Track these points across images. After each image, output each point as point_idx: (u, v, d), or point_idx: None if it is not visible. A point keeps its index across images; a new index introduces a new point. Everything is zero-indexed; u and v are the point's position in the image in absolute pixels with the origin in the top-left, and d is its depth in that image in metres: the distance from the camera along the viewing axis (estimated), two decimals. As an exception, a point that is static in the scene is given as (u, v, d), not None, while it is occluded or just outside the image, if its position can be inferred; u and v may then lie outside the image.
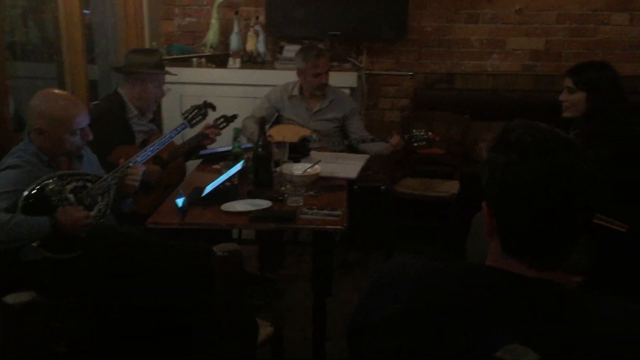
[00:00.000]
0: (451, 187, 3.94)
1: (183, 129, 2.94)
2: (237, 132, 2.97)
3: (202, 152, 3.23)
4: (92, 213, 2.36)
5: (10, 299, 1.01)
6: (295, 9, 4.17)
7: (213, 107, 3.12)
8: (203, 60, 4.25)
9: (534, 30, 4.37)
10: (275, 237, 3.56)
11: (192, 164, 3.37)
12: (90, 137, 2.47)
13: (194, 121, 3.01)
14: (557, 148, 1.09)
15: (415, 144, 3.50)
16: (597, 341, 0.99)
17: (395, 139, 3.44)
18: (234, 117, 3.27)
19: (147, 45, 4.35)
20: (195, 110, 3.03)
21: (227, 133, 3.35)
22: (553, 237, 1.08)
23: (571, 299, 1.06)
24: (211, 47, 4.34)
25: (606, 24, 4.31)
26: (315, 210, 2.44)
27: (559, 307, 1.04)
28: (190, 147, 3.20)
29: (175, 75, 3.29)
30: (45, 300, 2.28)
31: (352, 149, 3.69)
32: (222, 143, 3.39)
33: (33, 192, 2.25)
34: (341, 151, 3.58)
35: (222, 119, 3.27)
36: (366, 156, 3.38)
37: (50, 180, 2.30)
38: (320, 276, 2.49)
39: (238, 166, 2.60)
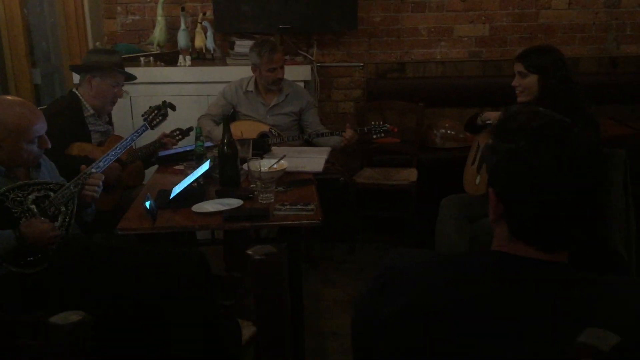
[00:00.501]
0: (409, 175, 3.98)
1: (144, 130, 2.86)
2: (199, 132, 2.90)
3: (161, 153, 3.15)
4: (57, 224, 2.25)
5: (60, 319, 0.96)
6: (244, 3, 4.10)
7: (173, 107, 3.05)
8: (151, 59, 4.14)
9: (479, 17, 4.45)
10: (242, 236, 3.51)
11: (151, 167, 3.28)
12: (49, 145, 2.35)
13: (154, 122, 2.93)
14: (561, 132, 1.11)
15: (375, 136, 3.52)
16: (615, 321, 1.01)
17: (348, 133, 3.43)
18: (189, 129, 3.25)
19: (90, 46, 4.21)
20: (155, 111, 2.95)
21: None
22: (562, 220, 1.10)
23: (587, 281, 1.08)
24: (158, 45, 4.23)
25: (547, 9, 4.44)
26: (288, 206, 2.42)
27: (576, 288, 1.06)
28: (149, 153, 3.13)
29: (135, 77, 3.19)
30: (16, 317, 2.19)
31: (309, 143, 3.67)
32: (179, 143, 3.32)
33: (-8, 205, 2.14)
34: (299, 145, 3.57)
35: (177, 132, 3.23)
36: (328, 149, 3.37)
37: (10, 192, 2.19)
38: (294, 272, 2.46)
39: (205, 166, 2.54)
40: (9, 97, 2.36)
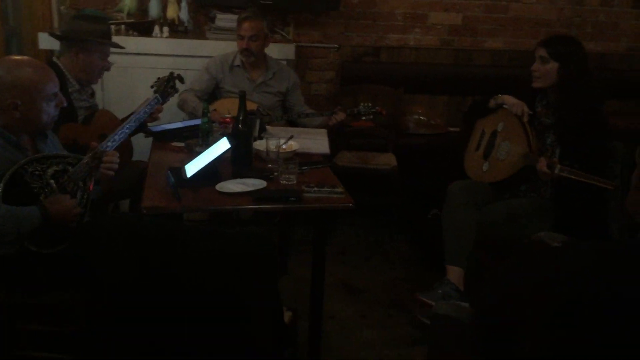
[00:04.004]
0: (389, 159, 4.00)
1: (156, 103, 2.68)
2: (207, 107, 2.75)
3: (155, 128, 2.97)
4: (76, 201, 2.08)
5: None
6: (224, -25, 3.94)
7: (182, 79, 2.88)
8: (122, 27, 3.89)
9: (453, 6, 4.51)
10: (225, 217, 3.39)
11: (141, 143, 3.08)
12: (65, 103, 2.17)
13: (166, 95, 2.75)
14: None
15: (364, 118, 3.49)
16: None
17: (341, 115, 3.39)
18: (170, 80, 2.94)
19: (54, 10, 3.91)
20: (165, 83, 2.76)
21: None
22: None
23: None
24: (129, 13, 3.98)
25: (517, 2, 4.57)
26: (316, 189, 2.35)
27: None
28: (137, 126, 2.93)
29: (124, 48, 2.98)
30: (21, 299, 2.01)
31: (291, 123, 3.60)
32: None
33: (10, 178, 1.94)
34: (282, 126, 3.48)
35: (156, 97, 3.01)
36: (324, 130, 3.31)
37: (29, 165, 1.99)
38: (319, 254, 2.40)
39: (226, 144, 2.41)
40: (16, 57, 2.15)
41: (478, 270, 3.03)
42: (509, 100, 2.89)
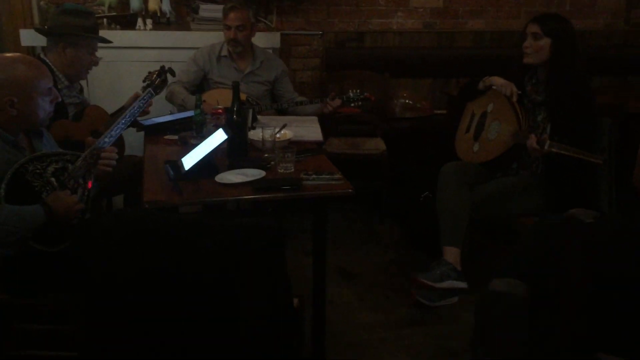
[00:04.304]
0: (377, 144, 4.03)
1: (150, 97, 2.67)
2: (200, 99, 2.75)
3: (146, 122, 2.96)
4: (77, 197, 2.08)
5: None
6: (206, -35, 3.91)
7: (173, 73, 2.87)
8: (105, 21, 3.85)
9: (434, -12, 4.54)
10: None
11: (130, 138, 3.07)
12: (59, 98, 2.17)
13: (158, 89, 2.74)
14: None
15: (353, 105, 3.51)
16: None
17: (337, 102, 3.41)
18: (161, 73, 2.95)
19: (34, 6, 3.86)
20: (157, 77, 2.76)
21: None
22: None
23: None
24: (110, 6, 3.94)
25: (497, -17, 4.61)
26: (314, 176, 2.37)
27: None
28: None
29: (112, 42, 2.96)
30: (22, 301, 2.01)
31: (281, 112, 3.60)
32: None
33: (11, 178, 1.93)
34: (272, 115, 3.48)
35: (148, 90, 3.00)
36: (315, 118, 3.33)
37: (29, 164, 1.98)
38: (320, 245, 2.44)
39: (222, 135, 2.42)
40: (8, 55, 2.14)
41: (472, 249, 3.09)
42: (497, 81, 2.93)
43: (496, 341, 1.37)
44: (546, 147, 2.58)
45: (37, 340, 2.22)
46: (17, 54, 2.15)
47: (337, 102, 3.37)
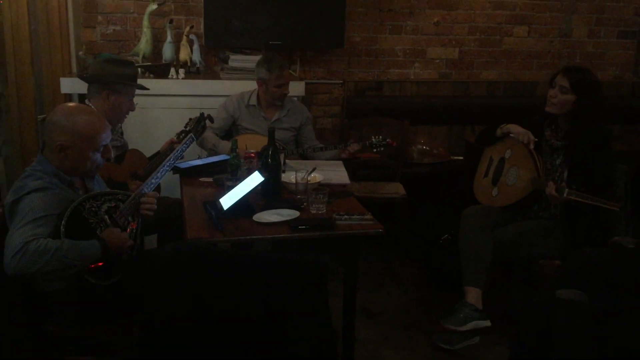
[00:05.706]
0: (397, 188, 4.17)
1: (191, 142, 2.84)
2: (235, 143, 2.92)
3: (182, 165, 3.13)
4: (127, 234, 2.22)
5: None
6: (235, 18, 4.14)
7: (211, 119, 3.05)
8: (139, 70, 4.06)
9: (449, 41, 4.76)
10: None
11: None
12: (112, 155, 2.32)
13: (198, 134, 2.92)
14: None
15: (375, 150, 3.67)
16: None
17: (355, 147, 3.56)
18: (200, 120, 3.10)
19: (72, 55, 4.08)
20: (196, 123, 2.94)
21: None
22: None
23: None
24: (143, 56, 4.17)
25: (509, 36, 4.83)
26: (346, 217, 2.51)
27: None
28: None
29: (149, 89, 3.16)
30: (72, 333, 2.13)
31: (303, 157, 3.76)
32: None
33: (70, 215, 2.08)
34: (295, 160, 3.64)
35: (182, 134, 3.19)
36: (340, 162, 3.48)
37: (86, 202, 2.14)
38: (351, 283, 2.56)
39: (259, 178, 2.57)
40: (74, 104, 2.32)
41: (491, 287, 3.19)
42: (515, 129, 3.07)
43: (562, 343, 1.52)
44: (565, 195, 2.68)
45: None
46: (84, 105, 2.31)
47: (355, 147, 3.53)
